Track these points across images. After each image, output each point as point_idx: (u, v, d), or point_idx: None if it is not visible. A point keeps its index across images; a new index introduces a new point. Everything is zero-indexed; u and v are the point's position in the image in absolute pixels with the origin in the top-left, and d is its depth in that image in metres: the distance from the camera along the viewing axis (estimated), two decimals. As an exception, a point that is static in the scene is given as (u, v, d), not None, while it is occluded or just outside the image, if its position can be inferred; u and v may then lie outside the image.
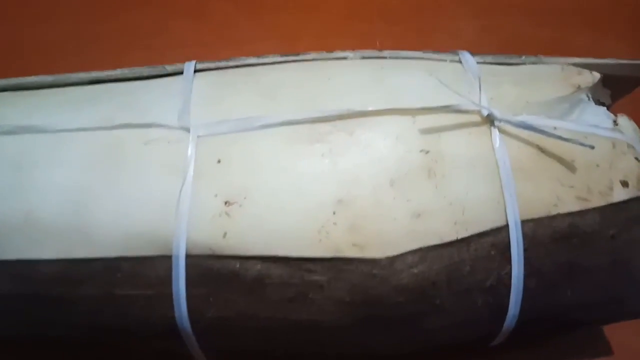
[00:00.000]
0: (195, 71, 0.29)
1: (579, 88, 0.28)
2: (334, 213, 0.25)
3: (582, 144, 0.25)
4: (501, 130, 0.26)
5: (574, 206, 0.26)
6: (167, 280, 0.25)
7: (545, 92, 0.28)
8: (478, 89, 0.27)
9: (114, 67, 0.30)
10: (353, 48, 0.42)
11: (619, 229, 0.26)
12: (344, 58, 0.30)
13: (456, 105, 0.26)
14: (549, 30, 0.48)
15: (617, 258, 0.27)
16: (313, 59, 0.30)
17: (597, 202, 0.26)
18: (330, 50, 0.31)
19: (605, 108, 0.30)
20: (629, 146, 0.28)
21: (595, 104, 0.31)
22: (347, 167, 0.25)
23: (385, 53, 0.30)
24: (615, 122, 0.29)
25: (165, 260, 0.25)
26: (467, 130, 0.26)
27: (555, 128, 0.26)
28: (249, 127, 0.26)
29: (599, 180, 0.26)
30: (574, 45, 0.47)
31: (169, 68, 0.30)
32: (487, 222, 0.25)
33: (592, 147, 0.25)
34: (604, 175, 0.27)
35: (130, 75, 0.30)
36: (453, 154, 0.25)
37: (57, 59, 0.45)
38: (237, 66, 0.30)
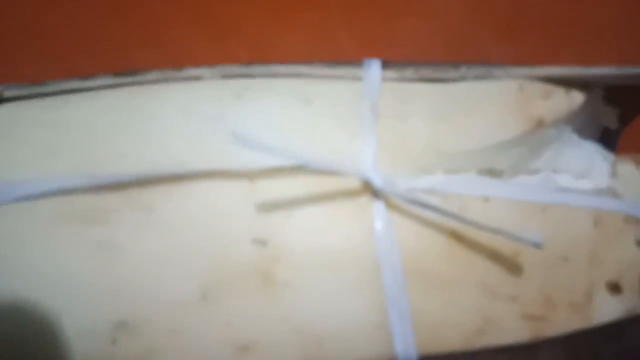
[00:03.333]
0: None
1: (540, 123, 0.17)
2: (114, 341, 0.15)
3: (517, 239, 0.14)
4: (391, 206, 0.16)
5: (516, 332, 0.15)
6: None
7: (482, 132, 0.17)
8: (366, 130, 0.17)
9: None
10: (303, 44, 0.33)
11: (602, 367, 0.15)
12: (198, 78, 0.20)
13: (308, 165, 0.15)
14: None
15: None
16: (156, 80, 0.20)
17: (561, 322, 0.15)
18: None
19: (599, 147, 0.19)
20: (628, 220, 0.16)
21: (594, 132, 0.20)
22: (132, 269, 0.16)
23: (256, 69, 0.20)
24: (613, 171, 0.18)
25: None
26: (334, 205, 0.16)
27: (487, 199, 0.16)
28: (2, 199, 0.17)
29: (568, 284, 0.16)
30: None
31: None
32: (359, 362, 0.15)
33: (539, 247, 0.14)
34: (578, 275, 0.16)
35: None
36: (306, 248, 0.15)
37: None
38: (54, 93, 0.21)
